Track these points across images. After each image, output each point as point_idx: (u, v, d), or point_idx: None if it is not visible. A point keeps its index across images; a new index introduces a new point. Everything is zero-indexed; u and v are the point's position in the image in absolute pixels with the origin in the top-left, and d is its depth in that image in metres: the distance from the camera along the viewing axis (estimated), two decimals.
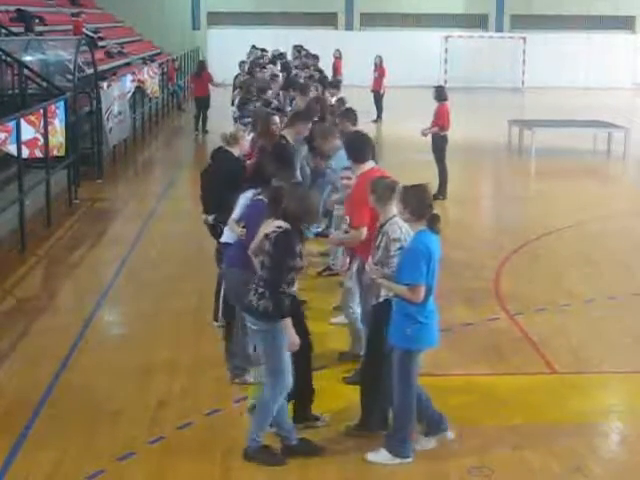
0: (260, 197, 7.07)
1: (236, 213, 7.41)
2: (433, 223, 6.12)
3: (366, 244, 7.31)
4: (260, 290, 6.09)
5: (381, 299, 6.55)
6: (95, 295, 10.06)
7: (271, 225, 6.12)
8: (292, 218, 6.10)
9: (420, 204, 6.10)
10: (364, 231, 7.28)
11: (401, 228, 6.44)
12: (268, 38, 33.13)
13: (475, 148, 21.31)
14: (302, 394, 6.63)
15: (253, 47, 28.15)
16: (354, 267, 7.70)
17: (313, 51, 27.01)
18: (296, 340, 6.13)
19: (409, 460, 6.25)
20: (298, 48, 28.57)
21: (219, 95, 24.53)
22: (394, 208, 6.50)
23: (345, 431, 6.66)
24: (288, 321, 6.07)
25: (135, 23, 36.30)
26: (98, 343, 8.71)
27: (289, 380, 6.20)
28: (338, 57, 30.54)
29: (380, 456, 6.26)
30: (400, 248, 6.36)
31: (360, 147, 7.64)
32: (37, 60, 17.60)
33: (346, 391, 7.39)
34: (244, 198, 7.38)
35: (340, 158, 10.12)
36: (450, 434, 6.44)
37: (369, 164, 7.63)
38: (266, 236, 6.12)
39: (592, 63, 39.24)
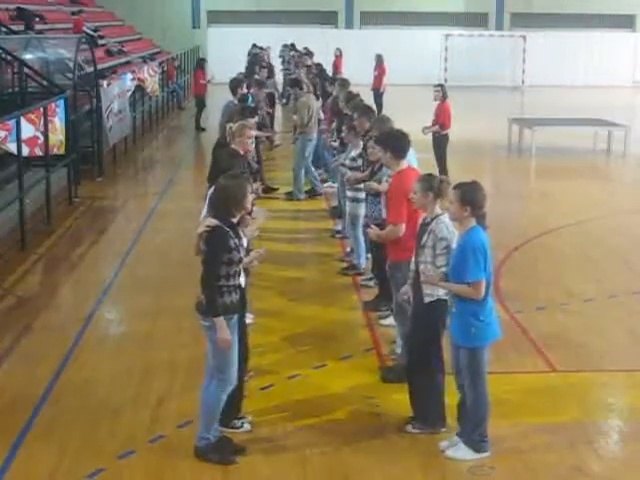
0: None
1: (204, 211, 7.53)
2: (483, 219, 6.15)
3: (398, 244, 7.32)
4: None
5: (434, 298, 6.53)
6: (95, 293, 10.06)
7: (203, 224, 6.14)
8: (216, 210, 6.12)
9: (481, 202, 6.13)
10: (402, 227, 7.31)
11: (448, 227, 6.46)
12: (268, 37, 33.15)
13: (475, 147, 21.30)
14: (232, 400, 6.48)
15: (254, 46, 28.13)
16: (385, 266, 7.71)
17: (314, 49, 27.03)
18: (226, 336, 6.05)
19: (488, 454, 6.27)
20: (291, 46, 28.57)
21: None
22: (438, 206, 6.53)
23: (401, 428, 6.67)
24: (220, 319, 6.03)
25: (135, 22, 36.31)
26: (98, 341, 8.71)
27: (234, 376, 6.20)
28: (339, 55, 30.56)
29: (460, 452, 6.28)
30: (446, 247, 6.39)
31: (402, 144, 7.70)
32: (37, 58, 17.59)
33: (343, 389, 7.40)
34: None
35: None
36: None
37: (406, 162, 7.69)
38: (200, 235, 6.15)
39: (592, 61, 39.23)
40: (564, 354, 8.35)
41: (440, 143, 15.50)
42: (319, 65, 22.39)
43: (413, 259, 6.77)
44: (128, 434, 6.61)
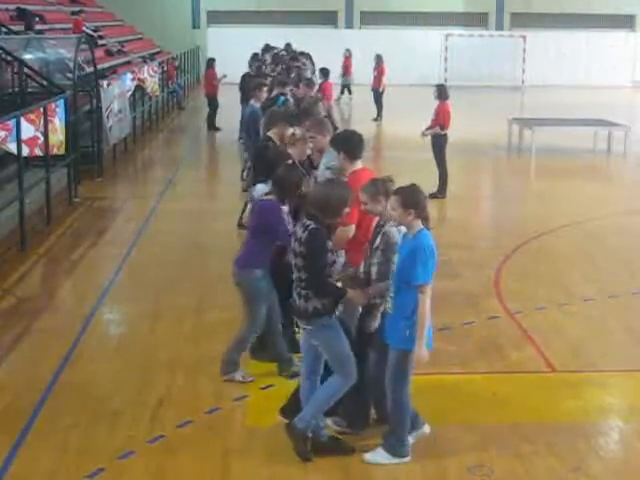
0: (270, 197, 7.37)
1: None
2: (427, 221, 6.15)
3: (355, 247, 7.22)
4: (304, 292, 6.18)
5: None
6: (95, 294, 10.06)
7: (300, 227, 6.26)
8: (315, 212, 6.19)
9: (423, 203, 6.12)
10: (352, 228, 7.21)
11: (400, 230, 6.40)
12: (268, 37, 33.11)
13: (475, 147, 21.30)
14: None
15: (267, 46, 27.92)
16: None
17: (314, 49, 27.02)
18: (360, 297, 6.31)
19: (407, 459, 6.24)
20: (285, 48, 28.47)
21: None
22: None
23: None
24: (350, 292, 6.25)
25: (135, 22, 36.33)
26: (98, 341, 8.71)
27: (354, 370, 6.24)
28: (348, 56, 30.51)
29: (378, 456, 6.26)
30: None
31: (357, 144, 7.60)
32: (37, 58, 17.59)
33: None
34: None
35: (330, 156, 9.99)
36: (427, 428, 6.44)
37: (360, 162, 7.60)
38: (298, 239, 6.23)
39: (592, 61, 39.26)
40: (564, 354, 8.35)
41: (440, 143, 15.48)
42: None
43: (363, 261, 6.71)
44: (128, 434, 6.61)
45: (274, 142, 9.57)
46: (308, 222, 6.19)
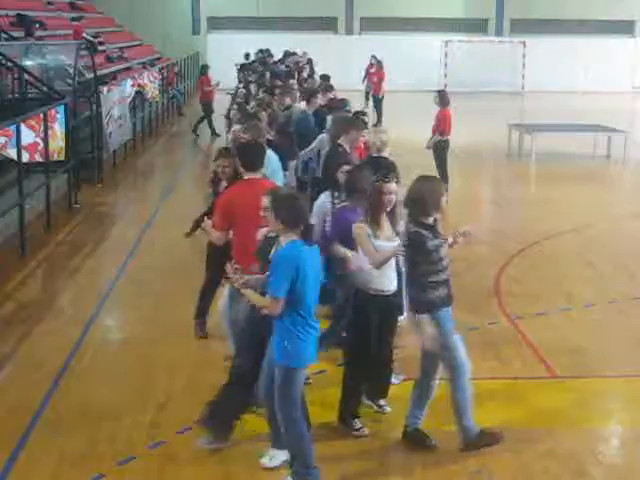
0: (344, 204, 7.35)
1: (331, 233, 7.49)
2: (306, 234, 5.72)
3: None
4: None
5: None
6: (95, 299, 10.06)
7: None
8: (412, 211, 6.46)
9: (293, 213, 5.74)
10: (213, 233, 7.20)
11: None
12: (268, 43, 33.16)
13: (475, 152, 21.31)
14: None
15: (287, 52, 27.92)
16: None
17: (313, 55, 27.01)
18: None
19: None
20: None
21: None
22: None
23: None
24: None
25: (135, 28, 36.35)
26: (98, 347, 8.70)
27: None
28: (373, 63, 30.47)
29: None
30: None
31: (260, 154, 7.31)
32: (37, 65, 17.62)
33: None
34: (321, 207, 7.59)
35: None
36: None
37: (255, 174, 7.26)
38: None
39: (592, 67, 39.29)
40: (564, 360, 8.34)
41: (441, 149, 15.49)
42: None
43: None
44: (128, 440, 6.60)
45: (345, 149, 9.40)
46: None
